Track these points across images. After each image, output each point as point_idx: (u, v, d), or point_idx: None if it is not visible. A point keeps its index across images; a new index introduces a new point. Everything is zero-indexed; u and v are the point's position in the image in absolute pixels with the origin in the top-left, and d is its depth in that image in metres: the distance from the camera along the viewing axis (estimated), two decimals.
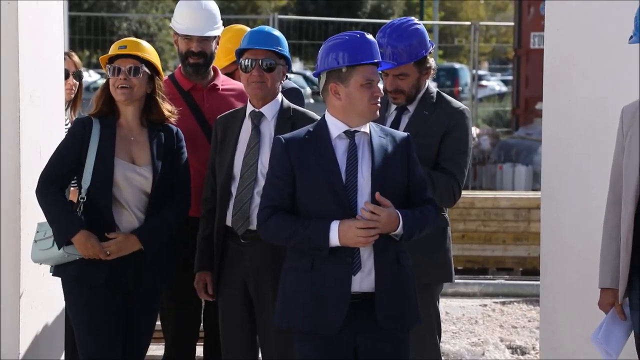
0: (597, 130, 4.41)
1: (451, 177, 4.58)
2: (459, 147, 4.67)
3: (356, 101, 3.92)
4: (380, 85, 4.16)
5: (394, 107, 4.74)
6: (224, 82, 5.26)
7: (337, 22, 24.45)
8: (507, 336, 7.55)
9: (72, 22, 19.18)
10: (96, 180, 4.45)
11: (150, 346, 4.92)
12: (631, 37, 3.98)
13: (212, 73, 5.20)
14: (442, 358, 4.92)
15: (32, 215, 4.90)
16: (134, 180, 4.53)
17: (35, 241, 4.52)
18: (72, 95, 5.83)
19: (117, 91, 4.48)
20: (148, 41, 4.84)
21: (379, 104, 3.98)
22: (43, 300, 5.10)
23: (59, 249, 4.37)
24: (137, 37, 4.90)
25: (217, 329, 4.81)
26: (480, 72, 27.67)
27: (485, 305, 8.36)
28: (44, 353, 5.15)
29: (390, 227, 3.83)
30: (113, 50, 4.58)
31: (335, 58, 3.95)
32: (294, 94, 5.35)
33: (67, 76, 5.79)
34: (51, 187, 4.46)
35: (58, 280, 4.70)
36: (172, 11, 5.27)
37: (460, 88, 27.11)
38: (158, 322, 5.06)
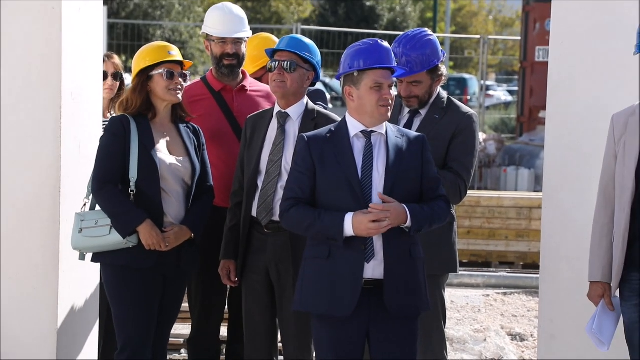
0: (596, 137, 4.40)
1: (458, 176, 4.60)
2: (466, 149, 4.68)
3: (366, 103, 3.98)
4: (394, 90, 4.20)
5: (407, 110, 4.77)
6: (251, 84, 5.32)
7: (355, 33, 24.45)
8: (507, 324, 7.58)
9: (111, 29, 19.29)
10: (143, 173, 4.50)
11: (177, 325, 4.97)
12: (635, 51, 4.02)
13: (241, 75, 5.25)
14: (447, 343, 4.91)
15: (71, 203, 4.95)
16: (177, 170, 4.59)
17: (81, 229, 4.54)
18: (113, 94, 5.84)
19: (171, 93, 4.56)
20: (180, 48, 4.89)
21: (388, 107, 4.01)
22: (78, 279, 5.15)
23: (124, 236, 4.41)
24: (170, 43, 4.92)
25: (241, 312, 4.86)
26: (488, 83, 27.66)
27: (488, 296, 8.39)
28: (80, 325, 5.23)
29: (399, 220, 3.86)
30: (162, 54, 4.62)
31: (349, 63, 4.02)
32: (317, 95, 5.45)
33: (106, 77, 5.83)
34: (106, 185, 4.49)
35: (90, 263, 4.76)
36: (202, 20, 5.30)
37: (469, 97, 27.19)
38: (185, 304, 5.11)
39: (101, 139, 4.70)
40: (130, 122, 4.54)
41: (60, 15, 4.93)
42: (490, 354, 6.80)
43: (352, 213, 3.86)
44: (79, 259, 4.79)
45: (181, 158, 4.63)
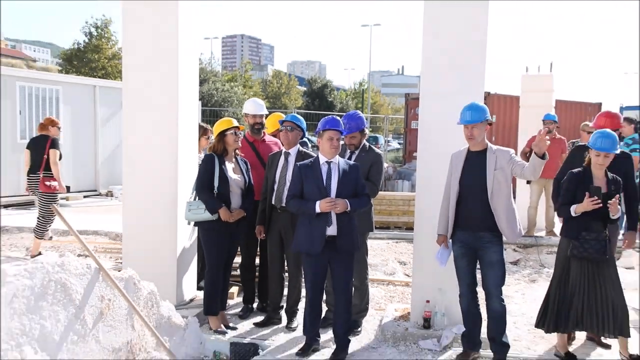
0: (442, 166, 4.31)
1: (374, 184, 4.57)
2: (378, 171, 4.65)
3: (324, 147, 4.04)
4: (342, 141, 4.23)
5: (348, 150, 4.73)
6: (268, 139, 5.32)
7: (323, 113, 24.45)
8: (397, 257, 7.59)
9: (203, 112, 19.15)
10: (221, 183, 4.53)
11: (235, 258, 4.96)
12: (458, 122, 4.05)
13: (262, 133, 5.26)
14: (368, 266, 4.88)
15: (183, 196, 4.96)
16: (237, 182, 4.61)
17: (190, 210, 4.57)
18: (207, 144, 5.82)
19: (236, 142, 4.64)
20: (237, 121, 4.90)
21: (335, 148, 4.05)
22: (186, 235, 5.15)
23: (212, 214, 4.46)
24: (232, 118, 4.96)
25: (266, 251, 4.86)
26: (388, 139, 27.81)
27: (388, 243, 8.37)
28: (187, 258, 5.20)
29: (344, 208, 3.92)
30: (230, 123, 4.65)
31: (319, 127, 4.07)
32: (304, 144, 5.50)
33: (207, 136, 5.88)
34: (204, 189, 4.52)
35: (192, 227, 4.86)
36: None
37: (379, 145, 27.20)
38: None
39: (200, 165, 4.76)
40: (215, 158, 4.57)
41: (177, 107, 4.95)
42: (389, 271, 6.82)
43: (319, 201, 3.91)
44: (187, 224, 4.84)
45: (239, 176, 4.65)
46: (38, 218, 6.88)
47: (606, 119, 4.74)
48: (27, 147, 6.94)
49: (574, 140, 7.37)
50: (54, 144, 6.79)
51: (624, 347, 4.04)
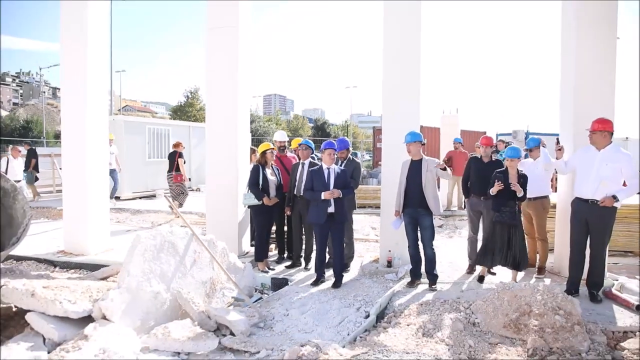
0: (396, 169, 4.25)
1: (355, 181, 4.45)
2: (358, 173, 4.54)
3: (325, 158, 3.93)
4: (336, 155, 4.13)
5: (340, 161, 4.63)
6: (290, 154, 5.17)
7: (324, 139, 24.31)
8: (371, 224, 7.47)
9: (252, 140, 18.97)
10: (264, 183, 4.42)
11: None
12: (404, 142, 3.98)
13: (285, 151, 5.11)
14: (353, 230, 4.81)
15: (241, 188, 4.83)
16: (273, 182, 4.49)
17: (245, 198, 4.45)
18: (255, 159, 5.64)
19: (272, 157, 4.52)
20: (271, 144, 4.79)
21: (332, 160, 3.95)
22: (241, 210, 5.01)
23: (259, 200, 4.34)
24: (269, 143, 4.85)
25: (292, 222, 4.72)
26: (363, 154, 27.61)
27: (365, 216, 8.24)
28: (244, 225, 5.07)
29: (338, 195, 3.83)
30: (268, 146, 4.53)
31: (322, 147, 3.97)
32: (312, 157, 5.29)
33: (254, 153, 5.71)
34: (254, 185, 4.42)
35: (247, 208, 4.67)
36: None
37: (358, 157, 26.95)
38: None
39: (251, 171, 4.62)
40: (259, 167, 4.47)
41: (236, 136, 4.86)
42: (365, 233, 6.74)
43: (323, 192, 3.81)
44: (244, 207, 4.70)
45: (274, 177, 4.54)
46: (172, 197, 7.62)
47: (486, 139, 4.82)
48: (168, 158, 7.56)
49: (471, 153, 7.39)
50: (181, 155, 7.53)
51: (514, 277, 4.07)
